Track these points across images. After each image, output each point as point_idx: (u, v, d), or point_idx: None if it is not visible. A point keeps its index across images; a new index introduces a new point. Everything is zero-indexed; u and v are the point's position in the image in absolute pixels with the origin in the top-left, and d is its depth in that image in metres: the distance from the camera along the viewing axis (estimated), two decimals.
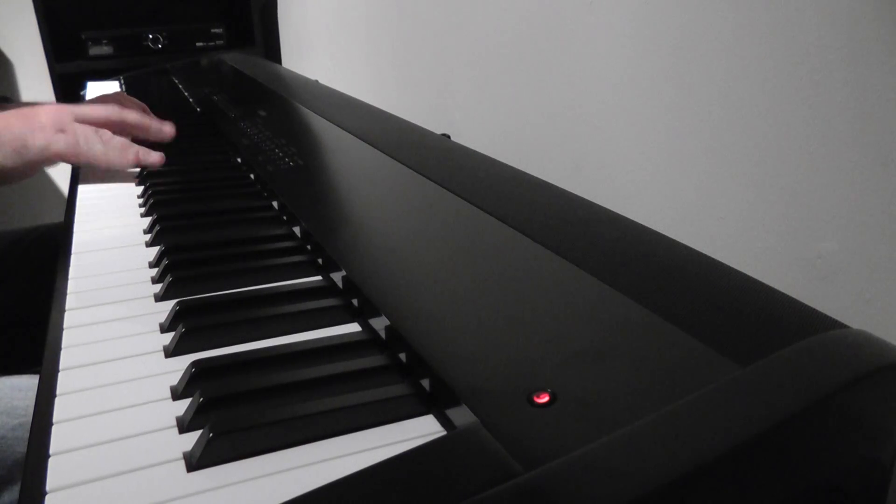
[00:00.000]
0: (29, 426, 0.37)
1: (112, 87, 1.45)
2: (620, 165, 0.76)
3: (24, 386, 0.61)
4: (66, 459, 0.33)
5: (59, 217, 0.82)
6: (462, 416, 0.32)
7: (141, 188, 0.76)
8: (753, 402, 0.28)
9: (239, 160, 0.82)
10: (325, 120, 0.87)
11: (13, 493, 0.57)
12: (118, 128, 0.80)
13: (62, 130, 0.73)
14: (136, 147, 0.78)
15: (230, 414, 0.35)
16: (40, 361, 0.42)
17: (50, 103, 0.76)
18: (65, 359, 0.42)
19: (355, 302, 0.45)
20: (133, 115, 0.82)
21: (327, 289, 0.48)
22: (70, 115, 0.75)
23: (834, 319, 0.34)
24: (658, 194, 0.71)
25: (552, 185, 0.56)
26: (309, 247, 0.55)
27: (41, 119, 0.73)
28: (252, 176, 0.76)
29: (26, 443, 0.35)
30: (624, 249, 0.44)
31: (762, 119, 0.59)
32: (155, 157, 0.79)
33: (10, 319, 0.93)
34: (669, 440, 0.27)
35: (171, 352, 0.42)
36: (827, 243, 0.55)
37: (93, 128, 0.76)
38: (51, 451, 0.34)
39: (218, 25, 2.09)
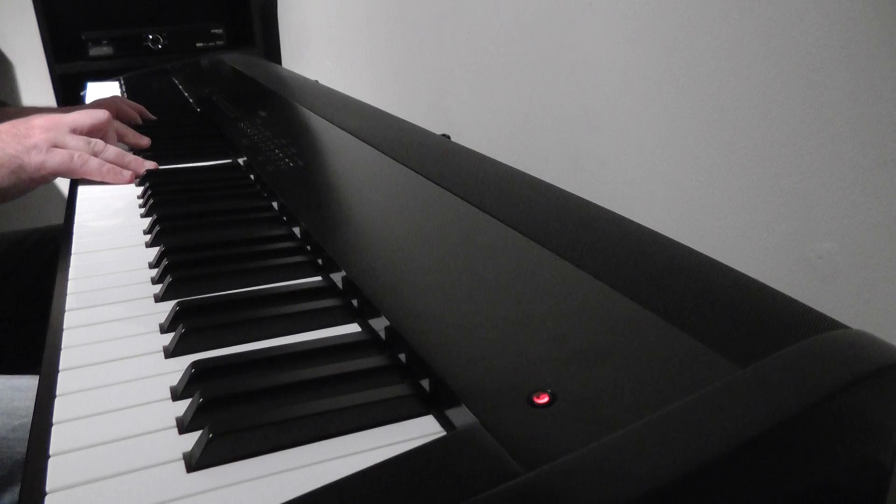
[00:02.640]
0: (29, 427, 0.37)
1: (112, 87, 1.45)
2: (620, 165, 0.76)
3: (24, 386, 0.61)
4: (66, 460, 0.33)
5: (59, 218, 0.82)
6: (462, 416, 0.32)
7: (141, 188, 0.76)
8: (753, 402, 0.28)
9: (239, 160, 0.82)
10: (325, 120, 0.87)
11: (13, 493, 0.57)
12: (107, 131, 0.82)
13: (56, 146, 0.74)
14: (129, 157, 0.79)
15: (230, 414, 0.35)
16: (40, 362, 0.42)
17: (43, 115, 0.77)
18: (65, 359, 0.42)
19: (355, 302, 0.45)
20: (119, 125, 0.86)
21: (327, 289, 0.48)
22: (64, 127, 0.76)
23: (834, 320, 0.34)
24: (658, 194, 0.71)
25: (552, 185, 0.56)
26: (309, 247, 0.55)
27: (35, 138, 0.73)
28: (252, 176, 0.76)
29: (26, 443, 0.35)
30: (624, 249, 0.44)
31: (762, 119, 0.59)
32: (149, 166, 0.80)
33: (10, 320, 0.93)
34: (669, 440, 0.27)
35: (170, 352, 0.42)
36: (827, 243, 0.55)
37: (85, 139, 0.76)
38: (51, 452, 0.34)
39: (218, 26, 2.09)
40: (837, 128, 0.53)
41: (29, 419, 0.39)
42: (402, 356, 0.38)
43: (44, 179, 0.75)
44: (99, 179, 0.77)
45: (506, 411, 0.30)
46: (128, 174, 0.78)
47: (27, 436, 0.36)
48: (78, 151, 0.75)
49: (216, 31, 2.09)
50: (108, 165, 0.77)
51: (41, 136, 0.74)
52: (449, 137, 0.78)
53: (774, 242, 0.59)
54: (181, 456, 0.33)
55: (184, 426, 0.35)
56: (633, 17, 0.71)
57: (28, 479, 0.32)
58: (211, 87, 1.28)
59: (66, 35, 1.96)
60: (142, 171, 0.79)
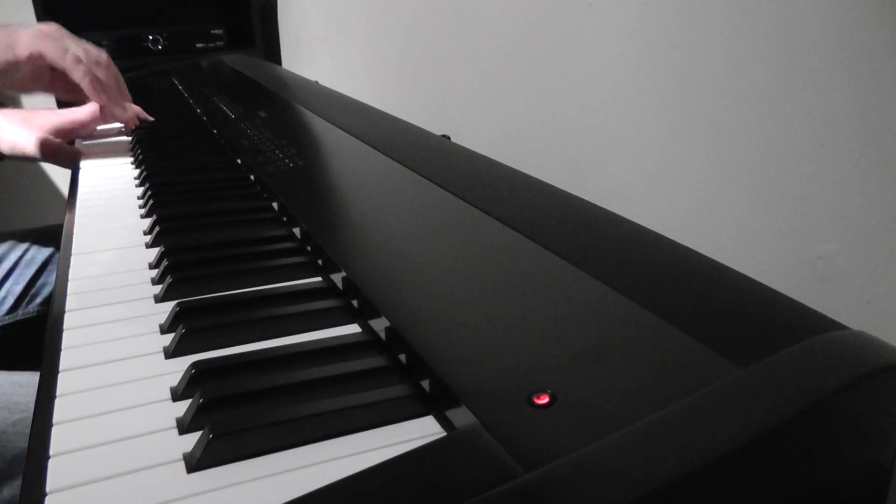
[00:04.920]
0: (29, 421, 0.37)
1: None
2: (620, 166, 0.76)
3: (24, 382, 0.62)
4: (66, 460, 0.33)
5: (59, 218, 0.83)
6: (462, 417, 0.32)
7: (141, 189, 0.76)
8: (753, 403, 0.28)
9: (239, 161, 0.82)
10: (324, 121, 0.87)
11: (13, 487, 0.57)
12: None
13: (50, 38, 0.76)
14: (125, 91, 0.81)
15: (230, 415, 0.35)
16: (40, 358, 0.42)
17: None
18: (64, 360, 0.42)
19: (355, 303, 0.45)
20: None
21: (327, 290, 0.48)
22: (64, 32, 0.78)
23: (833, 321, 0.34)
24: (658, 195, 0.71)
25: (552, 186, 0.56)
26: (309, 248, 0.55)
27: (29, 30, 0.76)
28: (252, 177, 0.76)
29: (26, 438, 0.35)
30: (624, 251, 0.44)
31: (762, 119, 0.59)
32: (137, 112, 0.84)
33: (9, 318, 0.93)
34: (669, 441, 0.27)
35: (171, 353, 0.42)
36: (827, 244, 0.55)
37: (86, 49, 0.78)
38: (51, 452, 0.34)
39: (218, 26, 2.09)
40: (838, 129, 0.53)
41: (29, 414, 0.39)
42: (403, 357, 0.38)
43: (32, 59, 0.75)
44: (78, 83, 0.75)
45: (506, 412, 0.30)
46: (105, 98, 0.77)
47: (27, 430, 0.36)
48: (73, 53, 0.75)
49: (216, 31, 2.09)
50: (93, 77, 0.76)
51: (37, 29, 0.76)
52: (449, 138, 0.78)
53: (774, 243, 0.59)
54: (181, 457, 0.33)
55: (184, 427, 0.35)
56: (633, 18, 0.71)
57: (28, 480, 0.32)
58: (211, 88, 1.28)
59: None
60: (126, 114, 0.79)
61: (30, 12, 1.90)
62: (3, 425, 0.58)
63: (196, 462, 0.32)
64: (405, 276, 0.44)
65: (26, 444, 0.35)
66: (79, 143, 0.98)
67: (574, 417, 0.29)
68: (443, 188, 0.57)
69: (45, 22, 0.78)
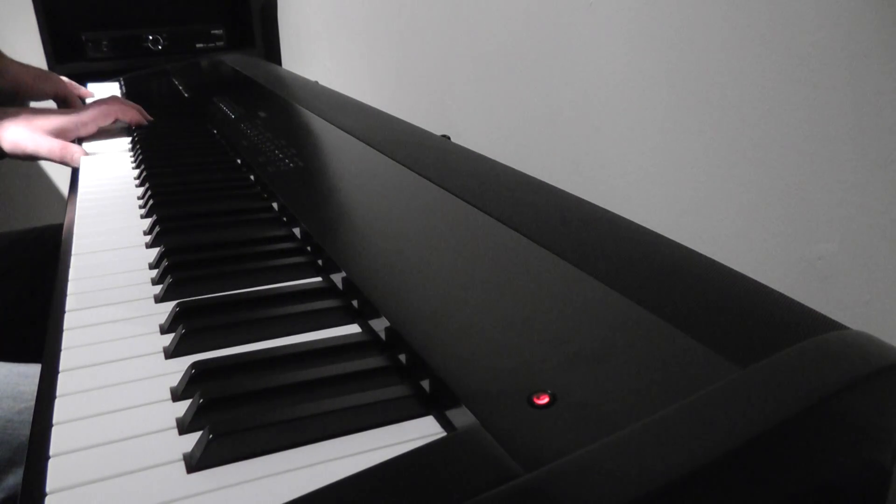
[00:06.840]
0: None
1: (112, 87, 1.45)
2: (620, 166, 0.76)
3: (30, 373, 0.63)
4: (66, 461, 0.33)
5: (59, 217, 0.83)
6: (462, 417, 0.32)
7: (141, 189, 0.76)
8: (753, 403, 0.28)
9: (239, 161, 0.82)
10: (325, 121, 0.87)
11: (18, 475, 0.57)
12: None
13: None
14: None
15: (230, 415, 0.35)
16: (41, 356, 0.42)
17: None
18: (65, 360, 0.42)
19: (355, 303, 0.45)
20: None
21: (327, 290, 0.48)
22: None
23: (833, 321, 0.34)
24: (658, 195, 0.71)
25: (552, 186, 0.56)
26: (309, 248, 0.55)
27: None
28: (252, 177, 0.76)
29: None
30: (623, 251, 0.44)
31: (762, 119, 0.59)
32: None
33: (9, 315, 0.93)
34: (669, 442, 0.27)
35: (170, 353, 0.42)
36: (827, 244, 0.55)
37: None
38: (51, 453, 0.34)
39: (218, 26, 2.09)
40: (837, 129, 0.53)
41: (34, 403, 0.39)
42: (402, 357, 0.38)
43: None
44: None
45: (506, 412, 0.30)
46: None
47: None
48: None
49: (216, 31, 2.08)
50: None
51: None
52: (449, 138, 0.78)
53: (774, 243, 0.59)
54: (181, 457, 0.33)
55: (184, 427, 0.35)
56: (633, 18, 0.71)
57: (28, 480, 0.32)
58: (211, 88, 1.28)
59: (66, 35, 1.96)
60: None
61: (30, 12, 1.90)
62: (9, 414, 0.58)
63: (196, 462, 0.32)
64: (405, 276, 0.44)
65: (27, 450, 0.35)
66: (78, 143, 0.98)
67: (574, 417, 0.29)
68: (443, 188, 0.57)
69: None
